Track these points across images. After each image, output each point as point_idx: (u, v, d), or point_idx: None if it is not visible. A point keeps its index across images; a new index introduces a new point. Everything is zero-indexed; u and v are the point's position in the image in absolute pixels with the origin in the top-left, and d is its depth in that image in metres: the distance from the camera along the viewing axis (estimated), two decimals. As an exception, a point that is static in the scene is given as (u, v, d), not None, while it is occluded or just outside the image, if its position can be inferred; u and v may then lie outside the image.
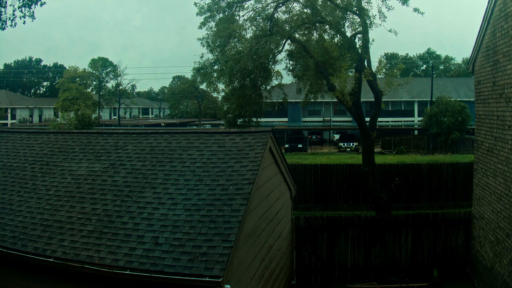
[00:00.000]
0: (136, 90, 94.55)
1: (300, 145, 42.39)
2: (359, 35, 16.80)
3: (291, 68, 20.95)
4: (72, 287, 7.63)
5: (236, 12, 18.31)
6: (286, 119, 54.93)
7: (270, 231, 10.49)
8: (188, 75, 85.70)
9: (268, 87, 20.18)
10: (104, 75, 69.32)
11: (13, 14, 12.93)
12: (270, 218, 10.46)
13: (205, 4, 17.89)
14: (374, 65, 17.64)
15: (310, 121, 55.34)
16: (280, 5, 17.79)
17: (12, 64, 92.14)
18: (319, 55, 17.46)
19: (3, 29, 12.94)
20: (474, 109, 13.85)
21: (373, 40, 17.58)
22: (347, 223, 14.28)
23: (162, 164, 9.39)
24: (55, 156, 10.47)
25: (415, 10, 16.19)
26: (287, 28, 17.64)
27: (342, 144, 42.44)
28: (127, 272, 6.98)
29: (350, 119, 48.29)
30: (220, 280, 6.58)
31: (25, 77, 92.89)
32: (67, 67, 69.24)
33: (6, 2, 12.90)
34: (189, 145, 9.88)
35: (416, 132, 48.17)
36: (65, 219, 8.31)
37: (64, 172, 9.74)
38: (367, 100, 39.00)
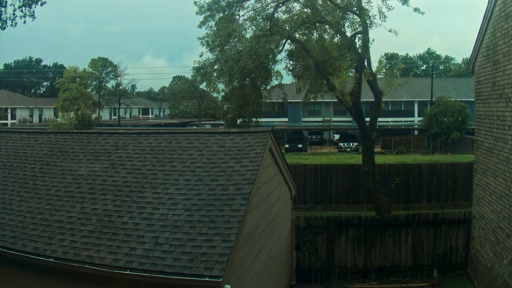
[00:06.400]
0: (136, 90, 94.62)
1: (300, 145, 42.35)
2: (359, 35, 16.80)
3: (291, 68, 20.97)
4: (72, 287, 7.63)
5: (236, 12, 18.33)
6: (286, 119, 54.89)
7: (270, 231, 10.48)
8: (188, 75, 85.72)
9: (268, 87, 20.21)
10: (104, 75, 69.32)
11: (14, 14, 12.90)
12: (270, 218, 10.46)
13: (205, 3, 17.91)
14: (374, 65, 17.65)
15: (310, 121, 55.28)
16: (280, 5, 17.79)
17: (12, 64, 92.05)
18: (319, 55, 17.44)
19: (3, 29, 12.91)
20: (474, 109, 13.85)
21: (373, 40, 17.61)
22: (347, 223, 14.28)
23: (162, 164, 9.39)
24: (55, 156, 10.46)
25: (415, 10, 16.21)
26: (287, 28, 17.64)
27: (342, 144, 42.40)
28: (127, 272, 6.97)
29: (350, 119, 48.23)
30: (220, 280, 6.58)
31: (25, 77, 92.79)
32: (67, 67, 69.09)
33: (6, 2, 12.87)
34: (189, 145, 9.87)
35: (416, 132, 48.12)
36: (65, 219, 8.30)
37: (64, 172, 9.73)
38: (367, 100, 38.89)
